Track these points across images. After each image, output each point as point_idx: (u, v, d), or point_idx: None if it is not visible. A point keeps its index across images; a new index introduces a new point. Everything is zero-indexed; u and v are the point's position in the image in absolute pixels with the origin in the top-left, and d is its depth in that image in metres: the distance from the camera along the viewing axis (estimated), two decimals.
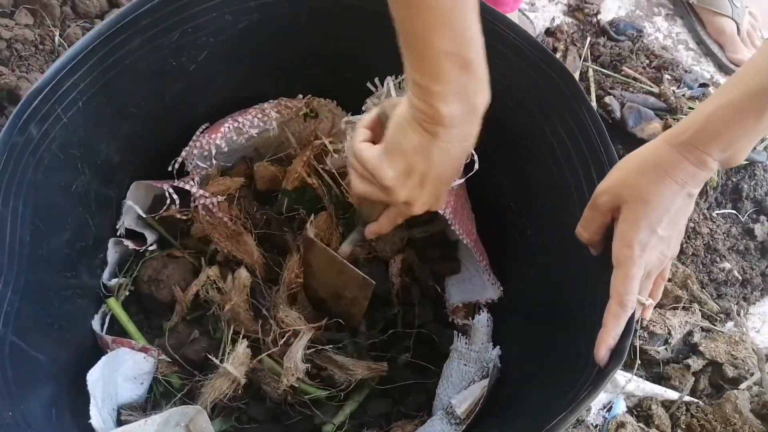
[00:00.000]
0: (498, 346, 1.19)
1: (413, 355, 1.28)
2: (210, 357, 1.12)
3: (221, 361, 1.11)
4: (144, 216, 1.24)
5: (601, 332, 0.86)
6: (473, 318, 1.27)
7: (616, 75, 1.79)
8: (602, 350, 0.85)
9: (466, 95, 0.79)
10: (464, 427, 1.10)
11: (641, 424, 1.33)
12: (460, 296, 1.31)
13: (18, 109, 0.89)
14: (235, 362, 1.11)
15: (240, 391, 1.13)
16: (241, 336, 1.15)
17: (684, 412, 1.35)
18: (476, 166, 1.09)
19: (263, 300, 1.24)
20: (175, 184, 1.21)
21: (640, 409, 1.37)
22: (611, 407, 1.35)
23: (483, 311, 1.26)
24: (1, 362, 0.85)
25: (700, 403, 1.36)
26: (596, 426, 1.33)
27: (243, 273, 1.20)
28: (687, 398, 1.36)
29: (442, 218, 1.29)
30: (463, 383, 1.18)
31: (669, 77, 1.79)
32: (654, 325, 1.41)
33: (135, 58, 1.05)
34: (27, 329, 0.93)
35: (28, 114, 0.90)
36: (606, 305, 0.87)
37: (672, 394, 1.37)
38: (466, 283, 1.34)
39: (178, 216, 1.23)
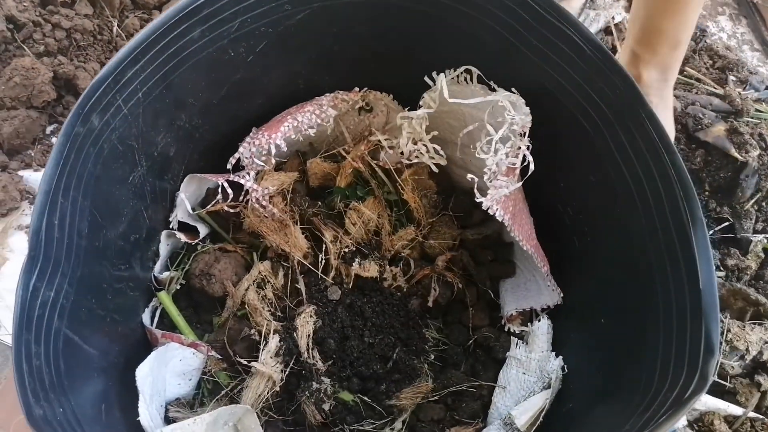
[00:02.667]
0: (560, 356, 1.15)
1: (467, 361, 1.24)
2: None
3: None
4: (191, 212, 1.22)
5: None
6: (531, 324, 1.22)
7: (678, 75, 1.73)
8: None
9: (665, 68, 1.05)
10: None
11: None
12: (515, 303, 1.26)
13: (81, 100, 0.87)
14: (268, 359, 1.09)
15: (278, 392, 1.11)
16: (272, 331, 1.13)
17: (749, 429, 1.29)
18: (531, 167, 1.05)
19: (317, 291, 1.23)
20: (230, 178, 1.19)
21: (701, 424, 1.31)
22: None
23: (543, 317, 1.21)
24: (54, 356, 0.83)
25: (766, 420, 1.30)
26: None
27: (251, 294, 1.19)
28: (752, 414, 1.31)
29: (499, 222, 1.26)
30: (521, 393, 1.14)
31: (734, 78, 1.73)
32: (737, 340, 1.36)
33: (195, 48, 1.03)
34: (81, 322, 0.91)
35: (91, 104, 0.88)
36: (669, 324, 0.86)
37: (735, 410, 1.32)
38: (521, 288, 1.30)
39: (227, 209, 1.21)
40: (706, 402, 1.32)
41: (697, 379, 0.79)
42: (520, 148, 1.06)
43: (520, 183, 1.11)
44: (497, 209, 1.08)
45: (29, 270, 0.79)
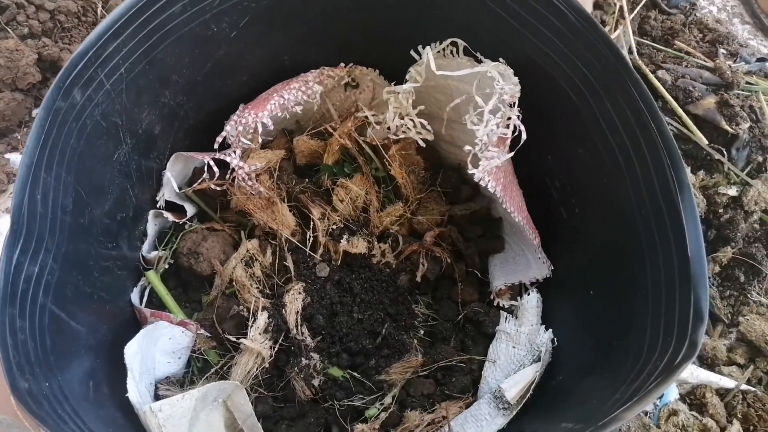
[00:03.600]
0: (550, 329, 1.15)
1: (456, 336, 1.24)
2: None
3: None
4: (177, 191, 1.21)
5: None
6: (520, 298, 1.22)
7: (667, 49, 1.72)
8: None
9: None
10: (514, 412, 1.06)
11: (694, 413, 1.28)
12: (504, 277, 1.26)
13: (62, 73, 0.87)
14: (257, 336, 1.08)
15: (267, 368, 1.11)
16: (260, 308, 1.13)
17: (740, 401, 1.29)
18: (524, 136, 1.05)
19: (306, 269, 1.22)
20: (216, 156, 1.18)
21: (693, 397, 1.31)
22: (663, 394, 1.30)
23: (532, 291, 1.21)
24: (40, 331, 0.83)
25: (758, 392, 1.30)
26: (647, 413, 1.28)
27: (239, 271, 1.18)
28: (744, 387, 1.31)
29: (488, 196, 1.26)
30: (511, 366, 1.14)
31: (724, 51, 1.72)
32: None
33: (177, 23, 1.02)
34: (67, 299, 0.91)
35: (71, 78, 0.87)
36: (658, 293, 0.86)
37: (728, 383, 1.32)
38: (510, 263, 1.29)
39: (213, 187, 1.20)
40: (698, 375, 1.32)
41: (686, 346, 0.79)
42: (510, 118, 1.05)
43: (511, 154, 1.10)
44: (489, 180, 1.08)
45: (12, 244, 0.78)
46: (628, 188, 0.97)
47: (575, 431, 0.84)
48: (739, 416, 1.28)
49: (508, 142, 1.07)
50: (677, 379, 1.29)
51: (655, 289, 0.90)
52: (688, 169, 1.49)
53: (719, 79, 1.60)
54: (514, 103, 1.04)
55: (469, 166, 1.07)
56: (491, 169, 1.07)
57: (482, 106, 1.05)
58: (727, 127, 1.50)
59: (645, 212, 0.94)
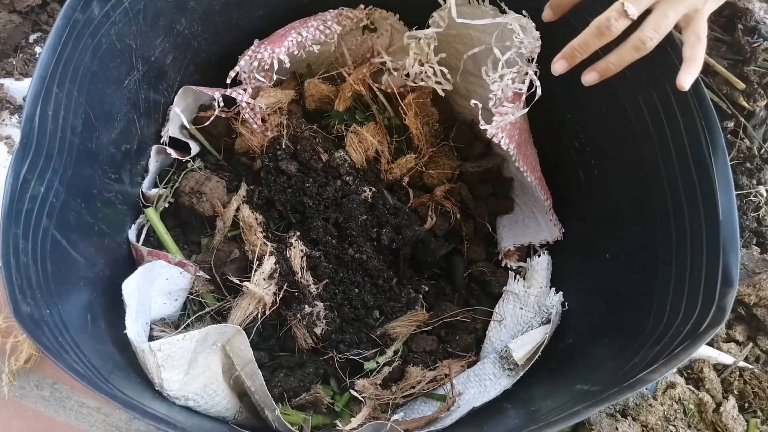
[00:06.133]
0: (560, 292, 1.12)
1: (462, 293, 1.22)
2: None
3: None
4: (186, 126, 1.17)
5: (687, 64, 0.86)
6: (529, 260, 1.20)
7: None
8: (688, 79, 0.85)
9: None
10: (521, 373, 1.04)
11: (691, 387, 1.27)
12: (513, 238, 1.24)
13: None
14: (261, 281, 1.05)
15: (267, 315, 1.07)
16: (267, 252, 1.09)
17: (737, 378, 1.29)
18: (539, 92, 1.01)
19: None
20: (225, 92, 1.14)
21: (690, 371, 1.30)
22: None
23: (543, 253, 1.19)
24: (42, 256, 0.79)
25: (755, 369, 1.30)
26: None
27: (245, 210, 1.14)
28: (741, 364, 1.30)
29: (500, 154, 1.23)
30: (518, 327, 1.12)
31: (742, 27, 1.68)
32: None
33: None
34: (69, 226, 0.87)
35: None
36: (683, 257, 0.84)
37: (726, 358, 1.31)
38: (519, 224, 1.27)
39: (223, 116, 1.16)
40: (697, 350, 1.31)
41: (713, 311, 0.77)
42: (527, 74, 1.01)
43: (526, 110, 1.06)
44: (502, 137, 1.05)
45: (21, 159, 0.74)
46: (656, 150, 0.94)
47: (593, 394, 0.81)
48: (735, 392, 1.27)
49: (524, 98, 1.04)
50: (696, 350, 1.28)
51: (679, 253, 0.88)
52: None
53: (737, 54, 1.57)
54: (533, 59, 1.00)
55: (481, 121, 1.03)
56: (505, 125, 1.03)
57: (499, 57, 1.01)
58: (744, 103, 1.48)
59: (673, 175, 0.91)
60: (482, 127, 1.03)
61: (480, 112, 1.05)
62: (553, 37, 0.96)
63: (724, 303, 0.77)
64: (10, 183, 0.73)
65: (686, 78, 0.85)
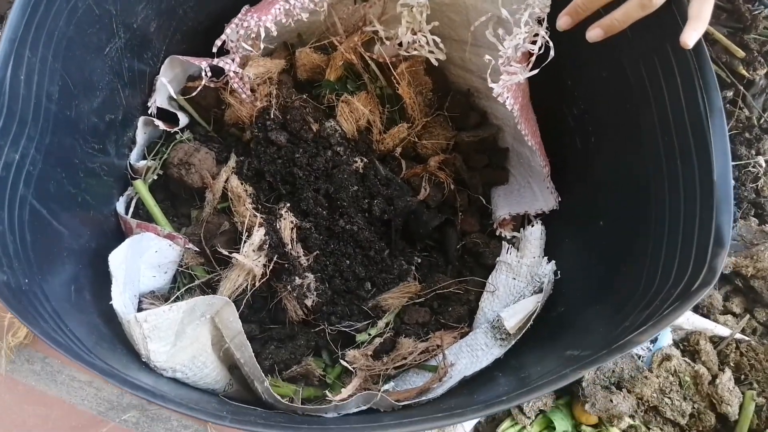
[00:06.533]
0: (553, 261, 1.11)
1: (455, 265, 1.20)
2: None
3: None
4: (175, 97, 1.15)
5: (693, 21, 0.83)
6: (523, 230, 1.18)
7: None
8: (693, 36, 0.82)
9: None
10: (512, 342, 1.03)
11: (687, 359, 1.26)
12: (507, 208, 1.22)
13: None
14: (250, 252, 1.03)
15: (256, 287, 1.05)
16: (256, 224, 1.07)
17: (734, 350, 1.27)
18: (552, 53, 0.99)
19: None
20: (212, 62, 1.12)
21: (686, 344, 1.29)
22: (656, 339, 1.27)
23: (536, 222, 1.17)
24: (20, 226, 0.77)
25: (752, 341, 1.28)
26: (640, 357, 1.26)
27: (234, 181, 1.13)
28: (738, 336, 1.29)
29: (496, 124, 1.21)
30: (510, 298, 1.10)
31: None
32: None
33: None
34: (49, 195, 0.85)
35: None
36: (676, 219, 0.83)
37: (722, 330, 1.29)
38: (514, 194, 1.25)
39: (211, 86, 1.14)
40: (693, 322, 1.30)
41: (705, 272, 0.76)
42: (537, 34, 0.99)
43: (535, 72, 1.03)
44: (507, 97, 1.03)
45: None
46: (653, 114, 0.92)
47: (582, 358, 0.80)
48: (732, 364, 1.26)
49: (533, 59, 1.01)
50: (672, 324, 1.27)
51: (672, 216, 0.86)
52: None
53: (736, 22, 1.54)
54: (543, 19, 0.98)
55: (489, 79, 1.02)
56: (510, 85, 1.01)
57: (508, 19, 0.99)
58: (744, 72, 1.45)
59: (669, 138, 0.89)
60: (490, 85, 1.02)
61: (489, 71, 1.04)
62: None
63: (716, 263, 0.75)
64: None
65: (691, 35, 0.82)
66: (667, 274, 0.81)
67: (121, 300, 0.91)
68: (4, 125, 0.74)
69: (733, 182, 0.79)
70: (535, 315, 1.03)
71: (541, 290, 1.07)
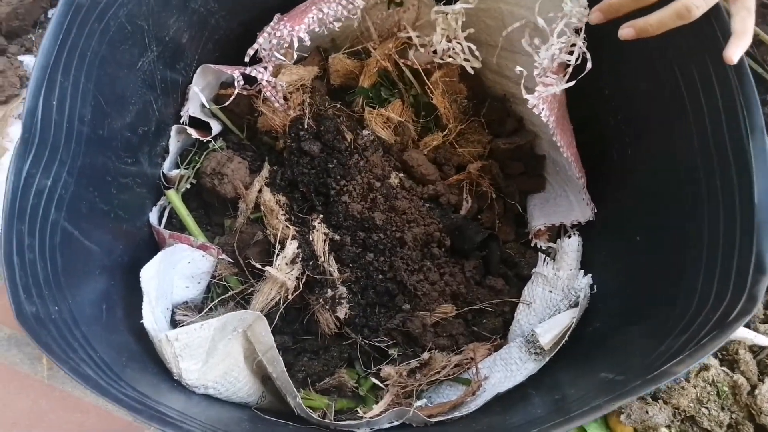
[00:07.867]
0: (589, 274, 1.09)
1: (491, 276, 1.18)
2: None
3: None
4: (206, 106, 1.14)
5: (737, 37, 0.80)
6: (560, 240, 1.16)
7: None
8: (737, 53, 0.80)
9: None
10: (547, 358, 1.01)
11: (725, 368, 1.23)
12: (543, 218, 1.20)
13: None
14: (283, 265, 1.03)
15: (290, 299, 1.05)
16: (289, 237, 1.07)
17: None
18: (589, 65, 0.96)
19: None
20: (245, 70, 1.11)
21: (725, 353, 1.26)
22: None
23: (574, 234, 1.15)
24: (51, 250, 0.77)
25: None
26: None
27: (267, 194, 1.12)
28: None
29: (533, 131, 1.19)
30: (547, 311, 1.09)
31: None
32: None
33: None
34: (81, 216, 0.85)
35: None
36: (715, 241, 0.81)
37: (762, 340, 1.26)
38: (550, 203, 1.23)
39: (244, 93, 1.14)
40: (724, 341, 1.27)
41: (744, 299, 0.74)
42: (574, 45, 0.96)
43: (572, 83, 1.01)
44: (543, 108, 1.00)
45: (22, 154, 0.72)
46: (692, 129, 0.89)
47: (618, 383, 0.78)
48: None
49: (570, 70, 0.99)
50: (724, 342, 1.23)
51: (711, 237, 0.83)
52: None
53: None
54: (581, 29, 0.95)
55: (523, 90, 0.99)
56: (546, 96, 0.99)
57: (544, 28, 0.96)
58: None
59: (708, 156, 0.86)
60: (525, 96, 1.00)
61: (523, 81, 1.02)
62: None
63: (756, 291, 0.73)
64: (12, 180, 0.71)
65: (735, 51, 0.79)
66: (706, 299, 0.79)
67: (152, 318, 0.91)
68: (36, 154, 0.74)
69: None
70: (570, 331, 1.01)
71: (576, 304, 1.05)
